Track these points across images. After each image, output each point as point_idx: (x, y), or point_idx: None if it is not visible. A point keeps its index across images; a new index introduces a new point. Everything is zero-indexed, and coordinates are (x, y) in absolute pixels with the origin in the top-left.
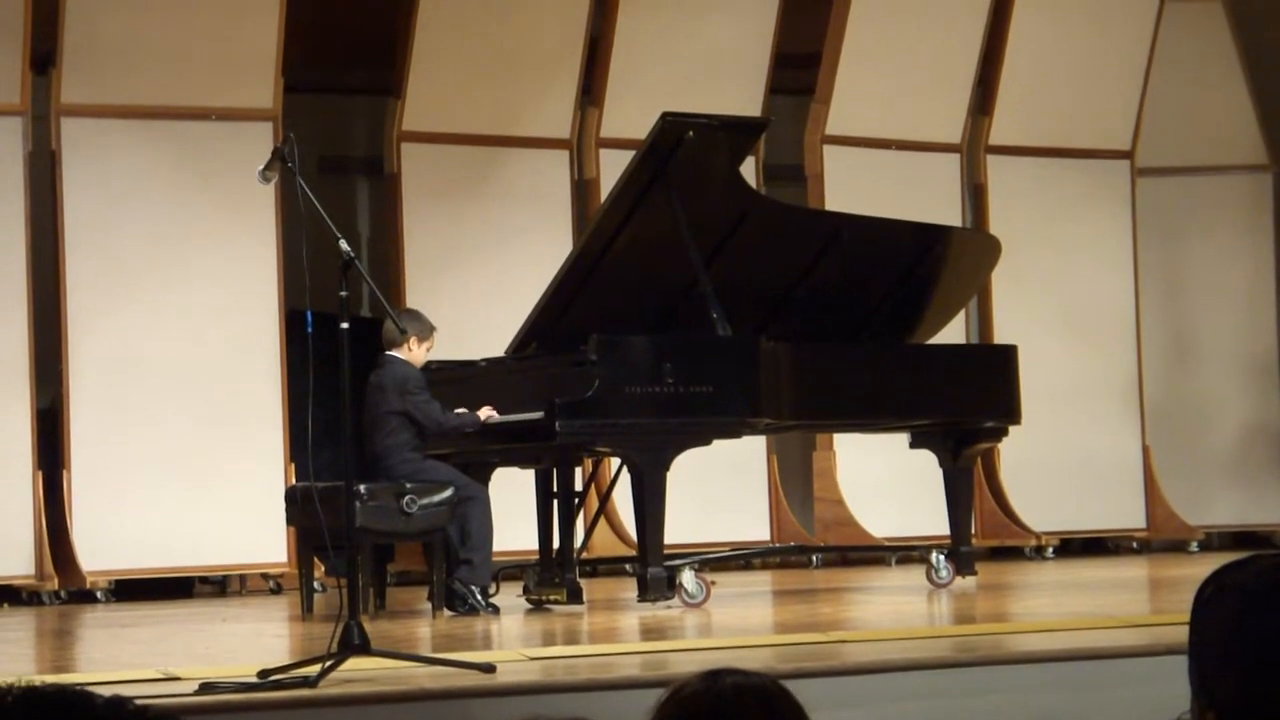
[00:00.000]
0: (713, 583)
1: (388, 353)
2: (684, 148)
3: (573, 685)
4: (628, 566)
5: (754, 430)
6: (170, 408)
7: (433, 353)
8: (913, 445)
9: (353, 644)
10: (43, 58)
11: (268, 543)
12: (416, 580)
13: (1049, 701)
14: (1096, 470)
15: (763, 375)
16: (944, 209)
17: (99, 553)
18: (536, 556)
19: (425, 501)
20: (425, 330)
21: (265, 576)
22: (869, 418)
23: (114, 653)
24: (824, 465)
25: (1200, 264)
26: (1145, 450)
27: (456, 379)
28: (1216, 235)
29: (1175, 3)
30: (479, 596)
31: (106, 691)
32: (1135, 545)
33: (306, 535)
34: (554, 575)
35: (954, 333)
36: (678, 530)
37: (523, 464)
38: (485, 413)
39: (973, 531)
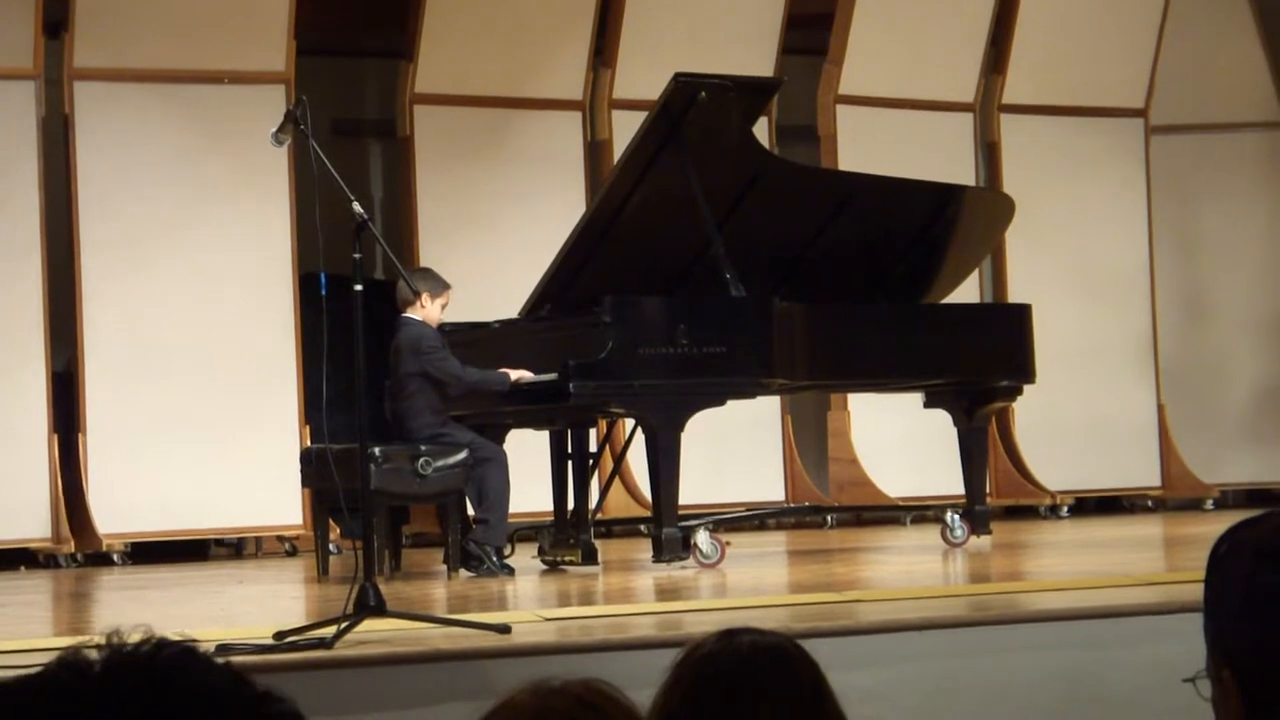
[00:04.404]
0: (727, 543)
1: (403, 315)
2: (696, 108)
3: (588, 646)
4: (642, 527)
5: (768, 391)
6: (185, 371)
7: (447, 314)
8: (927, 405)
9: (368, 605)
10: (55, 22)
11: (283, 505)
12: (432, 542)
13: (1064, 660)
14: (1111, 429)
15: (776, 336)
16: (957, 168)
17: (115, 516)
18: (551, 518)
19: (440, 464)
20: (438, 287)
21: (281, 539)
22: (883, 378)
23: (130, 615)
24: (838, 425)
25: (1214, 222)
26: (1160, 409)
27: (470, 341)
28: (1231, 193)
29: None
30: (494, 557)
31: None
32: (1150, 503)
33: (321, 497)
34: (569, 536)
35: (968, 292)
36: (692, 491)
37: (537, 425)
38: (517, 374)
39: (987, 491)
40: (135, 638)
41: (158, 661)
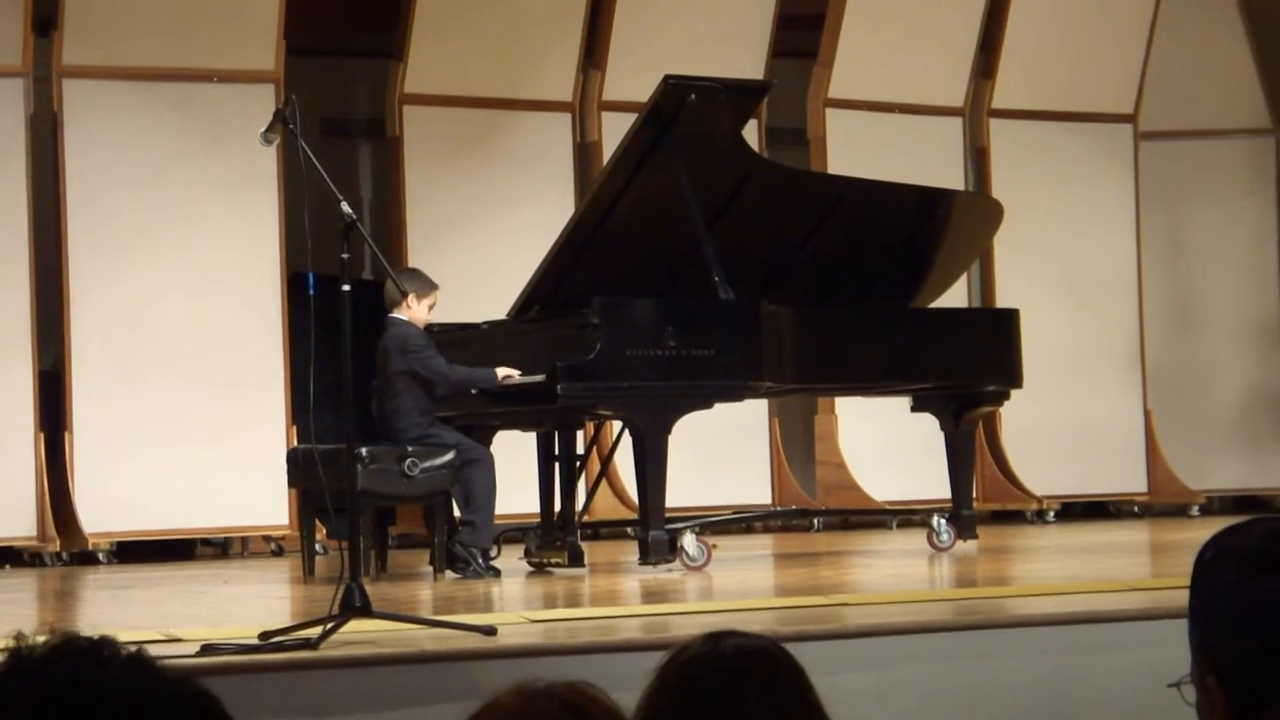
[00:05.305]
0: (714, 546)
1: (390, 315)
2: (686, 111)
3: (574, 648)
4: (629, 529)
5: (756, 393)
6: (172, 370)
7: (435, 315)
8: (914, 409)
9: (354, 606)
10: (44, 19)
11: (269, 505)
12: (418, 543)
13: (1050, 665)
14: (1098, 434)
15: (765, 338)
16: (946, 172)
17: (101, 514)
18: (538, 519)
19: (427, 464)
20: (425, 287)
21: (267, 539)
22: (871, 381)
23: (116, 614)
24: (825, 429)
25: (1202, 228)
26: (1147, 414)
27: (458, 341)
28: (1219, 199)
29: None
30: (480, 559)
31: None
32: (1136, 509)
33: (308, 497)
34: (555, 538)
35: (956, 296)
36: (679, 493)
37: (524, 427)
38: (505, 372)
39: (974, 495)
40: (41, 638)
41: (63, 659)
